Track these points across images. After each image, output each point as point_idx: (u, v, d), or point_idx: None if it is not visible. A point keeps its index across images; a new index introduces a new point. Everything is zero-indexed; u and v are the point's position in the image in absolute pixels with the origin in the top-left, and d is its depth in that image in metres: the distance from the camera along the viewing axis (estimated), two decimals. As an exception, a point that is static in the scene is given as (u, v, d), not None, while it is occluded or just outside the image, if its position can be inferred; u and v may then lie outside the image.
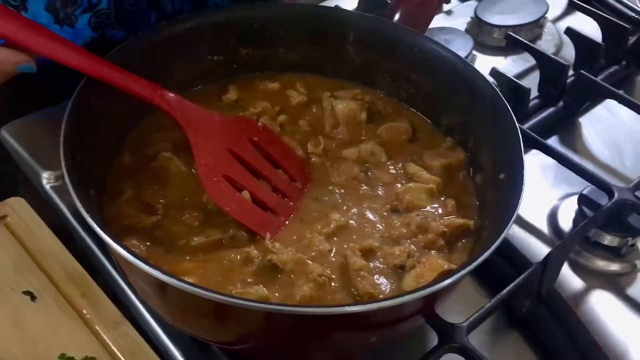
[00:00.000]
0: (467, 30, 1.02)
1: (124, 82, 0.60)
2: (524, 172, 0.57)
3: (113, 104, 0.64)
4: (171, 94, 0.62)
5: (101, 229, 0.49)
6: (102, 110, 0.62)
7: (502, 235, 0.52)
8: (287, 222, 0.63)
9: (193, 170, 0.65)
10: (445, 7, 1.07)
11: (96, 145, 0.62)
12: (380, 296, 0.57)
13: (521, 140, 0.60)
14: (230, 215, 0.60)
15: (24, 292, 0.62)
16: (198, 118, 0.62)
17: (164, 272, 0.47)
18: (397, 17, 0.78)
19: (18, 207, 0.69)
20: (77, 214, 0.67)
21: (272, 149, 0.67)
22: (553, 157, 0.77)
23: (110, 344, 0.59)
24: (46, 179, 0.71)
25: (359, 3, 1.02)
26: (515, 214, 0.53)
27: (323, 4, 1.03)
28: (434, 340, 0.58)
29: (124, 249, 0.48)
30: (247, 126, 0.66)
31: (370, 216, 0.64)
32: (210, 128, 0.62)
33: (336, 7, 0.96)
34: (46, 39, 0.58)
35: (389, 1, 0.92)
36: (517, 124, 0.62)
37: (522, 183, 0.56)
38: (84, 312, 0.61)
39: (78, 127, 0.57)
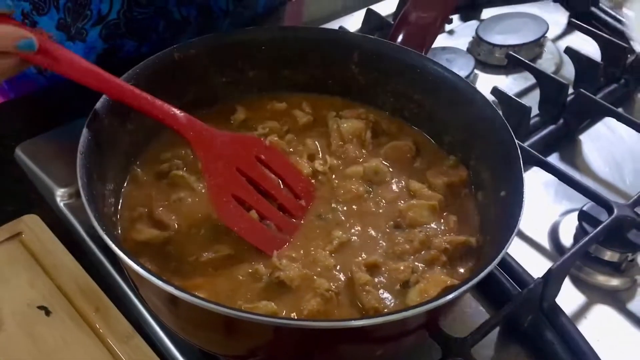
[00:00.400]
0: (469, 50, 1.04)
1: (137, 101, 0.61)
2: (524, 190, 0.59)
3: (126, 123, 0.66)
4: (182, 114, 0.63)
5: (117, 246, 0.51)
6: (116, 129, 0.65)
7: (503, 252, 0.53)
8: (291, 239, 0.64)
9: (203, 190, 0.67)
10: (447, 27, 1.09)
11: (111, 164, 0.64)
12: (385, 310, 0.59)
13: (521, 159, 0.62)
14: (238, 235, 0.62)
15: (38, 307, 0.64)
16: (208, 138, 0.63)
17: (177, 288, 0.48)
18: (400, 38, 0.80)
19: (33, 224, 0.70)
20: (90, 230, 0.70)
21: (277, 166, 0.68)
22: (553, 174, 0.78)
23: (122, 357, 0.61)
24: (60, 196, 0.73)
25: (362, 24, 1.04)
26: (515, 231, 0.55)
27: (327, 25, 1.05)
28: (437, 354, 0.60)
29: (139, 266, 0.50)
30: (254, 144, 0.68)
31: (374, 233, 0.66)
32: (220, 148, 0.64)
33: (340, 28, 0.99)
34: (61, 57, 0.58)
35: (392, 22, 0.94)
36: (516, 143, 0.63)
37: (522, 200, 0.58)
38: (97, 326, 0.62)
39: (93, 148, 0.59)
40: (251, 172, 0.65)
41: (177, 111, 0.62)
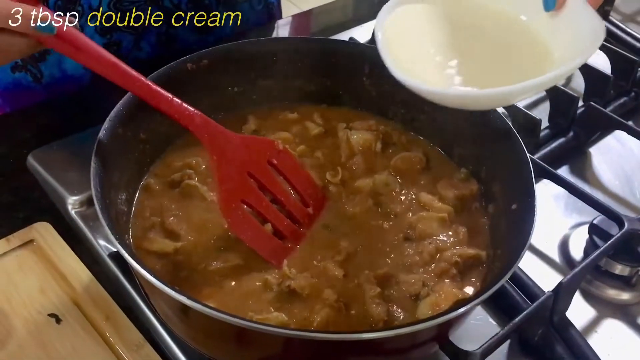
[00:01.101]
0: (479, 62, 1.04)
1: (153, 96, 0.60)
2: (536, 204, 0.58)
3: (140, 132, 0.67)
4: (198, 114, 0.62)
5: (129, 254, 0.51)
6: (130, 139, 0.65)
7: (514, 267, 0.53)
8: (297, 248, 0.64)
9: (215, 200, 0.67)
10: (457, 38, 1.09)
11: (124, 173, 0.64)
12: (395, 323, 0.59)
13: (532, 172, 0.62)
14: (244, 242, 0.62)
15: (49, 315, 0.64)
16: (222, 141, 0.62)
17: (189, 297, 0.48)
18: (411, 50, 0.81)
19: (44, 232, 0.71)
20: (101, 238, 0.70)
21: (289, 171, 0.67)
22: (563, 187, 0.78)
23: (132, 366, 0.61)
24: (71, 204, 0.74)
25: (372, 36, 1.04)
26: (527, 245, 0.55)
27: (337, 36, 1.05)
28: (448, 366, 0.60)
29: (151, 275, 0.50)
30: (267, 147, 0.67)
31: (383, 244, 0.66)
32: (233, 151, 0.63)
33: (350, 39, 1.00)
34: (80, 44, 0.58)
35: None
36: (528, 156, 0.64)
37: (534, 214, 0.57)
38: (107, 334, 0.63)
39: (107, 157, 0.60)
40: (262, 177, 0.65)
41: (192, 111, 0.61)
